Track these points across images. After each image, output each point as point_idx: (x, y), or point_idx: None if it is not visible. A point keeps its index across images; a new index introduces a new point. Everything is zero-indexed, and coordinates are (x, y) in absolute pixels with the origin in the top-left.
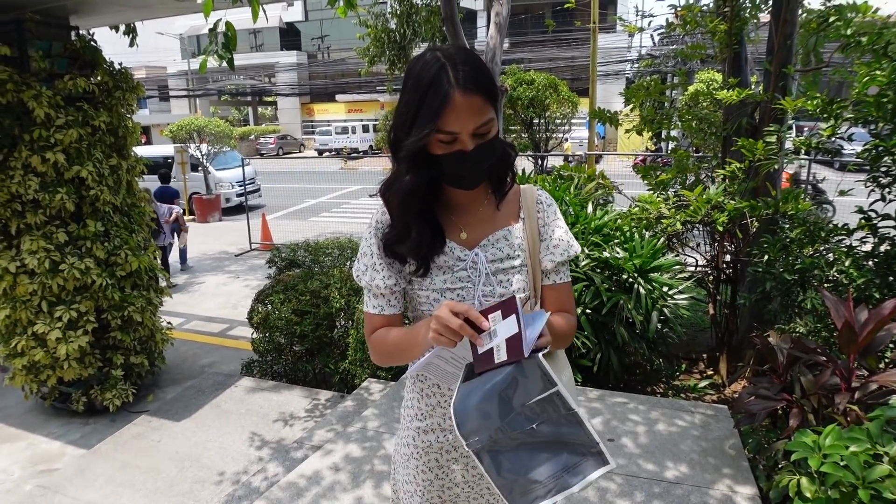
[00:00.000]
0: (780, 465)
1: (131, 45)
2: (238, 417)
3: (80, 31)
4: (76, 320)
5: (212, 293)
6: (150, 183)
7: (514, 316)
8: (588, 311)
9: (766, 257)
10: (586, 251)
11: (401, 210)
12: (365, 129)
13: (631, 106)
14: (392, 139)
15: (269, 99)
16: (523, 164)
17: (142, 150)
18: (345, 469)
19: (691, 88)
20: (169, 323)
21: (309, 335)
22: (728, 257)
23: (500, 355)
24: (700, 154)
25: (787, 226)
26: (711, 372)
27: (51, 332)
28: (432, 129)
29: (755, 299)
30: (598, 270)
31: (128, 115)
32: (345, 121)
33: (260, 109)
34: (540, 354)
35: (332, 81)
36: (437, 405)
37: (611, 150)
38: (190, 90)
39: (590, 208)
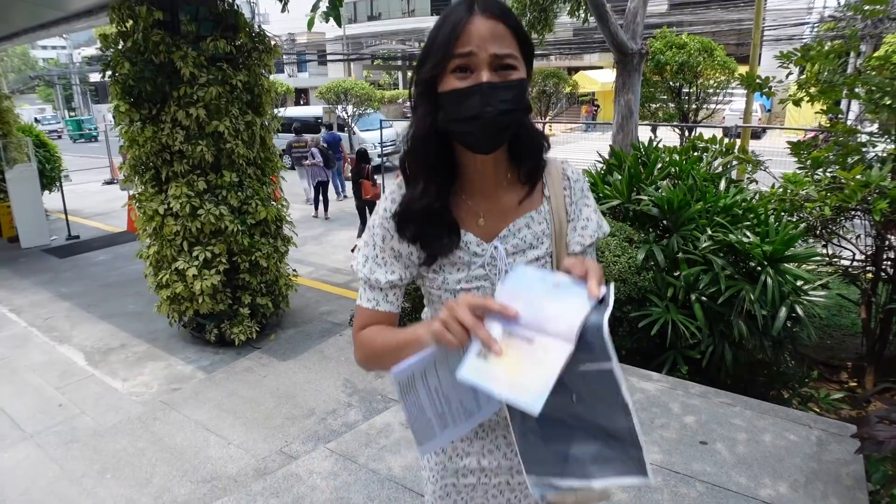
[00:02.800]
0: None
1: (283, 10)
2: (336, 364)
3: None
4: (210, 260)
5: (343, 246)
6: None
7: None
8: (703, 298)
9: None
10: (709, 231)
11: (420, 155)
12: None
13: (787, 73)
14: (411, 89)
15: None
16: (668, 135)
17: (295, 111)
18: None
19: (878, 53)
20: (294, 270)
21: (411, 293)
22: (893, 254)
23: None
24: (872, 130)
25: None
26: (855, 384)
27: (189, 269)
28: (447, 52)
29: None
30: (721, 255)
31: (264, 75)
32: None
33: (409, 74)
34: (605, 319)
35: None
36: None
37: (776, 124)
38: (345, 55)
39: (722, 185)
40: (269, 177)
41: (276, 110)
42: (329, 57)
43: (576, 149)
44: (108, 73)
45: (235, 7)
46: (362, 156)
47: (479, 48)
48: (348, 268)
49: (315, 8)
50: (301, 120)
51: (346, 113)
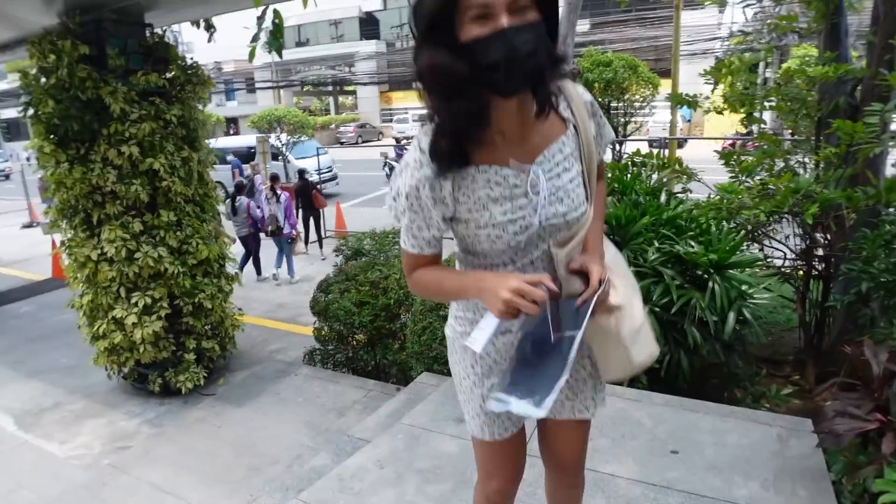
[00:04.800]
0: (870, 493)
1: (209, 40)
2: (295, 406)
3: (155, 29)
4: (151, 306)
5: (285, 279)
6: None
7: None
8: (656, 309)
9: (863, 254)
10: (656, 244)
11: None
12: None
13: (712, 87)
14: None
15: (350, 88)
16: None
17: (227, 141)
18: (389, 465)
19: (785, 65)
20: (239, 309)
21: (367, 325)
22: (821, 252)
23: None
24: (794, 138)
25: (892, 219)
26: (798, 377)
27: (128, 317)
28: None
29: (849, 301)
30: (669, 266)
31: (199, 108)
32: (423, 108)
33: (340, 99)
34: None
35: (410, 69)
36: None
37: (696, 134)
38: (274, 82)
39: (663, 198)
40: (210, 213)
41: (206, 141)
42: (258, 84)
43: None
44: (30, 111)
45: (165, 39)
46: (303, 172)
47: None
48: (294, 301)
49: (255, 39)
50: (233, 150)
51: (280, 141)
